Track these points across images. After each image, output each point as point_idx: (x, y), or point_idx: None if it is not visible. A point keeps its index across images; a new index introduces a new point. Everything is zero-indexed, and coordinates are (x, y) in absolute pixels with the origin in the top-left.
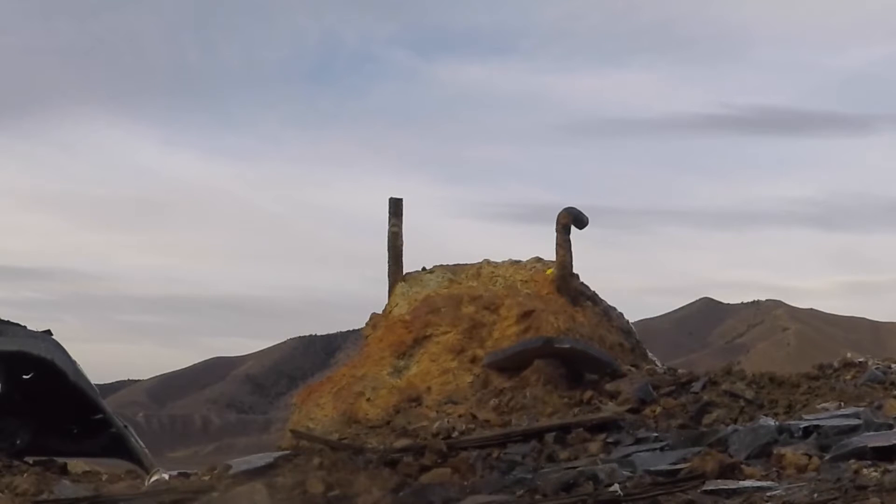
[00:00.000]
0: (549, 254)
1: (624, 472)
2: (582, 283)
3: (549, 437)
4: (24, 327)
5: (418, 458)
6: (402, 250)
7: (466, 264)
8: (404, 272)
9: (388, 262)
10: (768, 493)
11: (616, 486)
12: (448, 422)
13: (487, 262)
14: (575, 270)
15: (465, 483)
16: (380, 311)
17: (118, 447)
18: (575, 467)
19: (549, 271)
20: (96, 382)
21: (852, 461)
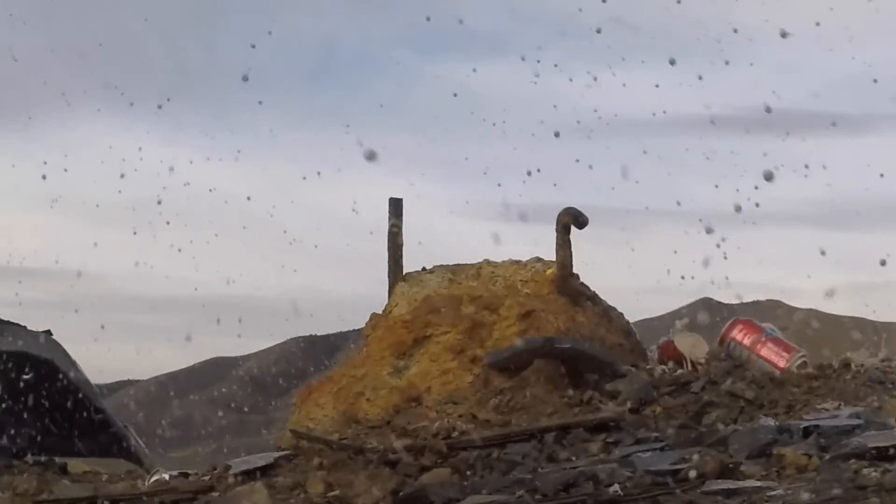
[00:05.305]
0: (549, 254)
1: (624, 472)
2: (582, 283)
3: (549, 437)
4: (24, 327)
5: (418, 458)
6: (402, 250)
7: (466, 264)
8: (404, 272)
9: (388, 262)
10: (768, 494)
11: (616, 486)
12: (448, 422)
13: (487, 262)
14: (575, 270)
15: (465, 483)
16: (380, 311)
17: (118, 447)
18: (575, 467)
19: (548, 271)
20: (96, 382)
21: (852, 461)
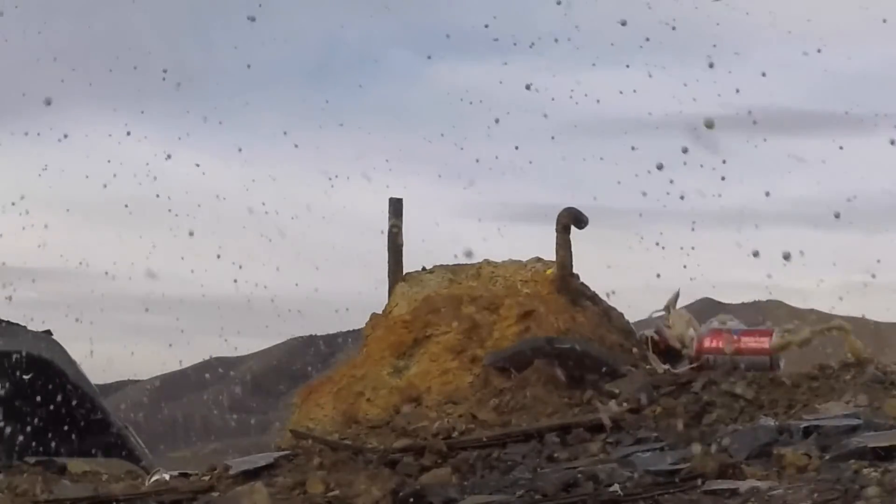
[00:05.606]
0: (549, 254)
1: (624, 472)
2: (582, 283)
3: (549, 437)
4: (24, 327)
5: (418, 458)
6: (402, 250)
7: (466, 264)
8: (404, 272)
9: (388, 262)
10: (768, 494)
11: (616, 486)
12: (448, 422)
13: (487, 262)
14: (575, 270)
15: (465, 483)
16: (380, 311)
17: (118, 447)
18: (575, 467)
19: (548, 271)
20: (96, 382)
21: (852, 461)
